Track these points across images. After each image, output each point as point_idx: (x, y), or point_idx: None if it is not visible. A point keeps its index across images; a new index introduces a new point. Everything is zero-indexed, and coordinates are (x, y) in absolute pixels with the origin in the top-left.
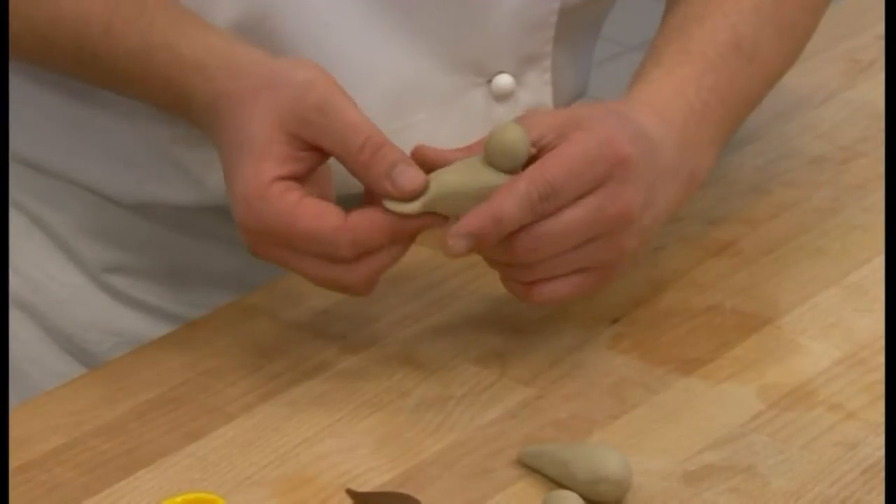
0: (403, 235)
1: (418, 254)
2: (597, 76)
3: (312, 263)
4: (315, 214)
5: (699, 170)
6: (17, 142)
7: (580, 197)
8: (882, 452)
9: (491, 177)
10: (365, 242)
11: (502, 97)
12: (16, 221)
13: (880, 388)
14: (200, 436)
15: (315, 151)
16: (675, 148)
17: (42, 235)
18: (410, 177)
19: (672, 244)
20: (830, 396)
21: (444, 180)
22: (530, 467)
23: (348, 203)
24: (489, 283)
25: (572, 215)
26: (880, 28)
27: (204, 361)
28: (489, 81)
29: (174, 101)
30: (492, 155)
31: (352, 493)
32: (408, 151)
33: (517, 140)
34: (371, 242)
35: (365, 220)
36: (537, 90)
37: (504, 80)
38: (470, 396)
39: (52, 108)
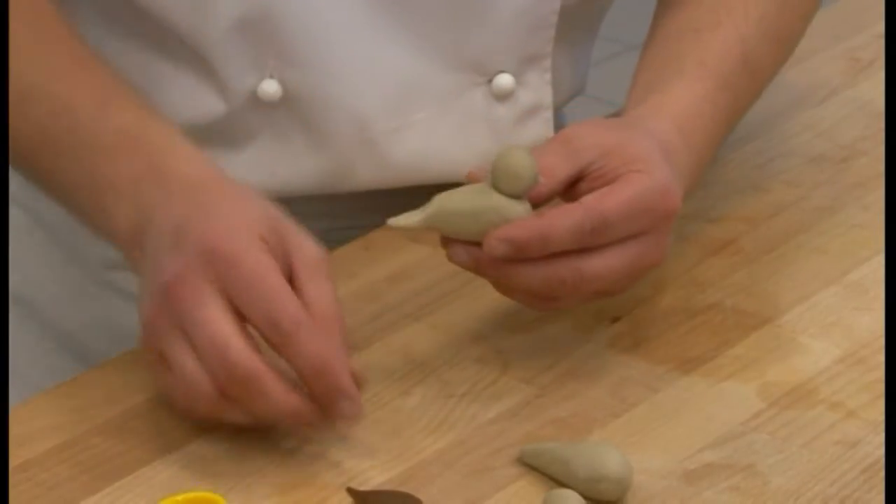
0: (327, 376)
1: (418, 252)
2: (596, 75)
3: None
4: (286, 293)
5: (694, 188)
6: None
7: (623, 240)
8: (882, 451)
9: (494, 199)
10: (306, 342)
11: (503, 97)
12: (16, 219)
13: (880, 387)
14: (201, 435)
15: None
16: (690, 172)
17: (42, 233)
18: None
19: (672, 243)
20: (831, 395)
21: (448, 199)
22: (531, 466)
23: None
24: (489, 283)
25: (615, 260)
26: (880, 27)
27: None
28: (490, 81)
29: (137, 175)
30: (496, 178)
31: (352, 492)
32: (408, 150)
33: (521, 165)
34: (306, 349)
35: (311, 337)
36: (537, 90)
37: (504, 80)
38: (470, 395)
39: None
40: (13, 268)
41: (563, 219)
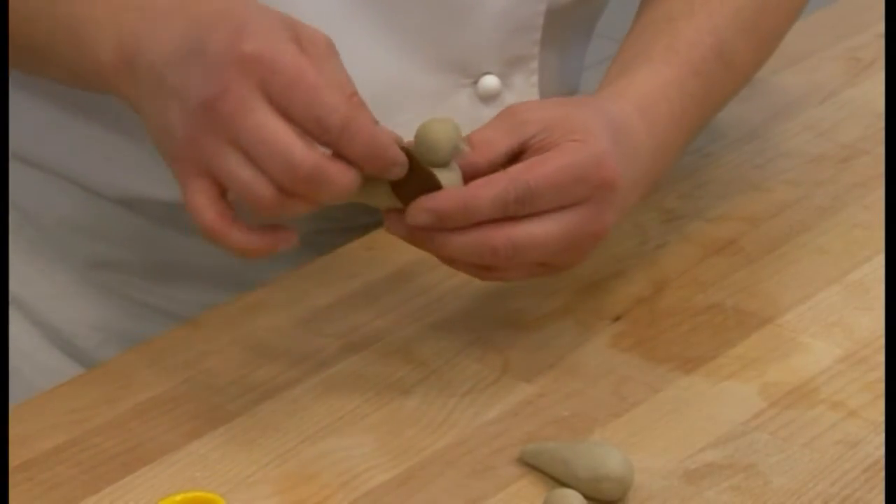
0: (380, 152)
1: (419, 252)
2: (593, 75)
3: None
4: (322, 84)
5: (662, 174)
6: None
7: (558, 209)
8: (883, 451)
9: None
10: (354, 132)
11: (488, 98)
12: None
13: (881, 387)
14: (201, 434)
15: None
16: (651, 156)
17: (31, 230)
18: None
19: (673, 242)
20: (832, 395)
21: (369, 175)
22: (532, 465)
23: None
24: (489, 282)
25: (547, 229)
26: (880, 27)
27: (204, 360)
28: (475, 82)
29: (112, 4)
30: (418, 149)
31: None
32: None
33: (437, 136)
34: (357, 138)
35: (365, 122)
36: (524, 92)
37: (490, 82)
38: (471, 395)
39: (39, 102)
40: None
41: (487, 188)
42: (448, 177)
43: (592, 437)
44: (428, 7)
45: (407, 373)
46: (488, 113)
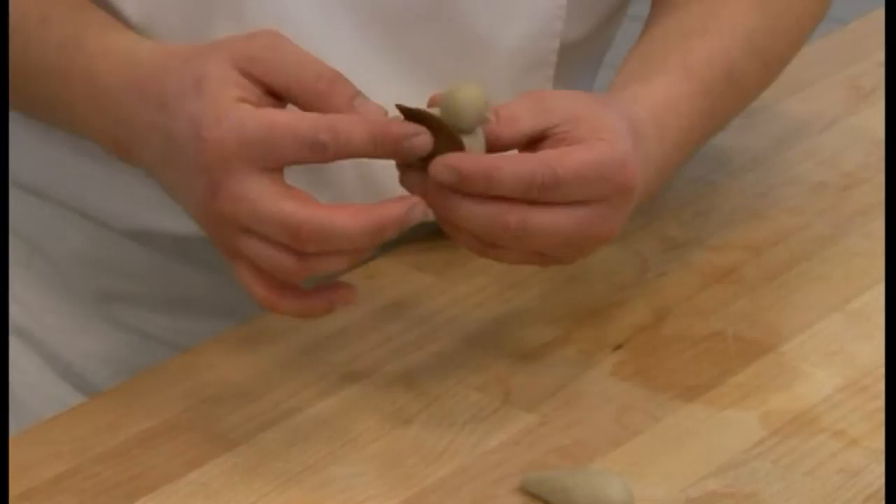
0: (384, 138)
1: (421, 280)
2: None
3: (266, 244)
4: (294, 116)
5: (660, 187)
6: (17, 167)
7: (575, 203)
8: (884, 480)
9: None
10: (346, 136)
11: None
12: (16, 249)
13: (883, 416)
14: (202, 463)
15: (270, 96)
16: (657, 166)
17: (42, 264)
18: (374, 106)
19: (674, 271)
20: (833, 423)
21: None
22: (533, 494)
23: None
24: (491, 310)
25: (561, 220)
26: (881, 55)
27: (206, 388)
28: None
29: (91, 97)
30: (443, 112)
31: (400, 108)
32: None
33: (464, 101)
34: (352, 138)
35: (346, 120)
36: None
37: None
38: (472, 423)
39: (50, 135)
40: (13, 298)
41: (515, 164)
42: (472, 142)
43: (594, 465)
44: (443, 43)
45: (408, 401)
46: None
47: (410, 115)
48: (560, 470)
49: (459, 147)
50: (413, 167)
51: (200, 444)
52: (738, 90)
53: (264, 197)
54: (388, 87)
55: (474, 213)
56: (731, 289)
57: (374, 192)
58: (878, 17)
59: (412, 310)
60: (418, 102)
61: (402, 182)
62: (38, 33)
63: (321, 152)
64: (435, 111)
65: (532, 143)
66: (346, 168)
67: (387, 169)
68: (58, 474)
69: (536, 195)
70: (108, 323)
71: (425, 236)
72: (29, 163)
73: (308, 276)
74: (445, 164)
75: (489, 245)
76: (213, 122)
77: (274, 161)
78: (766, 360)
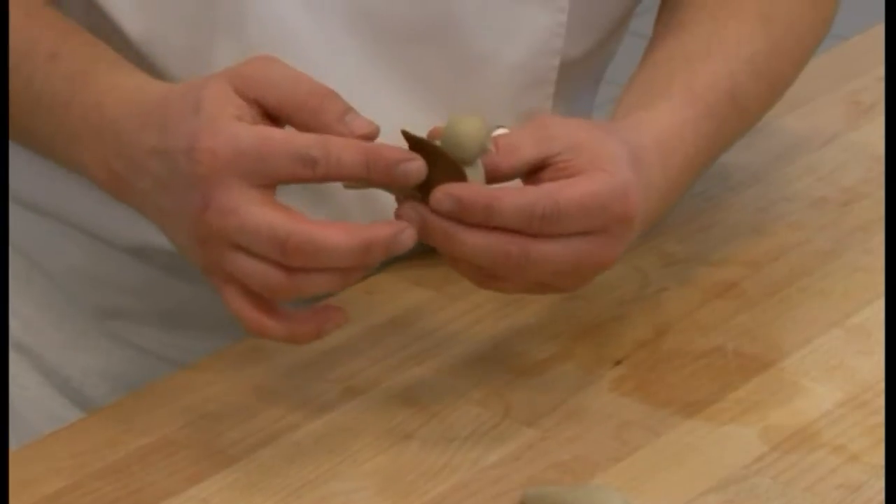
0: (377, 161)
1: (420, 296)
2: (600, 118)
3: (257, 260)
4: (288, 133)
5: (665, 213)
6: (17, 184)
7: (575, 233)
8: (884, 496)
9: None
10: (338, 154)
11: None
12: (16, 265)
13: (883, 431)
14: (202, 479)
15: (266, 119)
16: (661, 193)
17: (41, 279)
18: (364, 122)
19: (674, 286)
20: (833, 439)
21: None
22: None
23: None
24: (491, 326)
25: (561, 251)
26: (881, 70)
27: (205, 404)
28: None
29: (94, 128)
30: (444, 143)
31: (406, 135)
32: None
33: (465, 133)
34: (344, 157)
35: (339, 141)
36: None
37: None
38: (473, 438)
39: None
40: (13, 314)
41: (515, 195)
42: (472, 173)
43: (594, 480)
44: (443, 61)
45: (408, 417)
46: None
47: (414, 142)
48: (560, 485)
49: (461, 178)
50: (412, 198)
51: (200, 461)
52: (743, 113)
53: (253, 209)
54: (389, 104)
55: (475, 243)
56: (732, 304)
57: (375, 212)
58: (878, 32)
59: (412, 325)
60: (419, 120)
61: (399, 213)
62: (45, 68)
63: (311, 168)
64: (438, 142)
65: (533, 171)
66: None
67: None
68: (57, 490)
69: (537, 226)
70: (107, 339)
71: (424, 253)
72: (29, 179)
73: (297, 295)
74: (446, 193)
75: (489, 276)
76: (208, 135)
77: (265, 176)
78: (767, 375)
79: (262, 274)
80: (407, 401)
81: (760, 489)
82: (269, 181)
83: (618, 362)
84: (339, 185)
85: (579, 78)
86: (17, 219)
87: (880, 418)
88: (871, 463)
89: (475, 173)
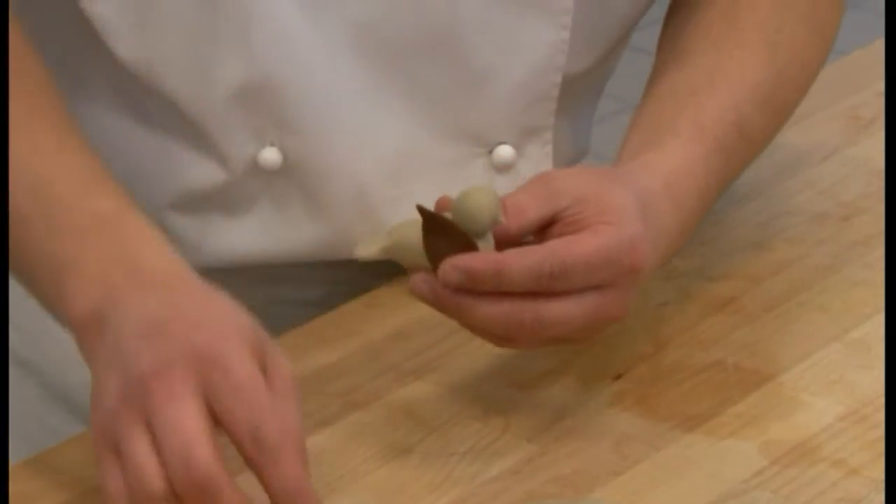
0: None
1: (421, 310)
2: (597, 133)
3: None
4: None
5: (677, 251)
6: None
7: (584, 289)
8: None
9: None
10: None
11: (503, 168)
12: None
13: (883, 445)
14: None
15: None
16: (671, 236)
17: None
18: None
19: (674, 301)
20: (833, 453)
21: (406, 232)
22: None
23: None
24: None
25: (572, 309)
26: (880, 85)
27: None
28: (490, 152)
29: (105, 260)
30: (456, 216)
31: (421, 210)
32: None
33: (479, 207)
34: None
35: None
36: (538, 161)
37: (505, 151)
38: (472, 452)
39: None
40: (13, 327)
41: (523, 258)
42: (483, 244)
43: (593, 495)
44: (445, 77)
45: (408, 431)
46: (503, 182)
47: (428, 216)
48: (560, 499)
49: (472, 249)
50: (420, 272)
51: None
52: (750, 143)
53: (194, 418)
54: (391, 119)
55: (488, 314)
56: (732, 319)
57: (372, 221)
58: (878, 47)
59: (412, 340)
60: (420, 135)
61: (413, 289)
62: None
63: (256, 447)
64: (449, 215)
65: (542, 228)
66: (346, 203)
67: (386, 203)
68: None
69: (546, 285)
70: None
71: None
72: None
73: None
74: (454, 267)
75: (505, 339)
76: (220, 334)
77: (223, 406)
78: (766, 389)
79: (148, 473)
80: (407, 415)
81: (760, 503)
82: (221, 416)
83: (618, 376)
84: (336, 195)
85: (580, 93)
86: None
87: (880, 432)
88: (872, 477)
89: (486, 242)
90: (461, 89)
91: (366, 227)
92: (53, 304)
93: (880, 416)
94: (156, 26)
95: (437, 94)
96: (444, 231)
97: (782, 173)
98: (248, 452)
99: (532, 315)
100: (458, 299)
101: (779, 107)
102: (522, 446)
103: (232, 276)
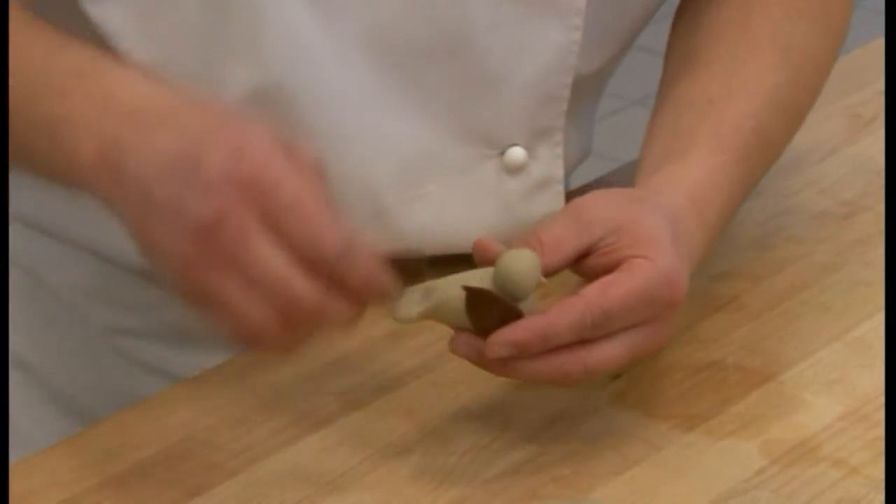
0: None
1: None
2: (599, 131)
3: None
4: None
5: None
6: (19, 204)
7: (627, 328)
8: None
9: None
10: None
11: (514, 170)
12: (18, 282)
13: (883, 444)
14: (201, 492)
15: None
16: (699, 251)
17: (45, 296)
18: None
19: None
20: (833, 452)
21: (446, 292)
22: None
23: None
24: None
25: (616, 351)
26: (881, 84)
27: (205, 417)
28: (501, 154)
29: (98, 103)
30: (497, 280)
31: (467, 289)
32: (418, 221)
33: (523, 274)
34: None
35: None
36: (549, 163)
37: (516, 153)
38: (472, 452)
39: None
40: (15, 330)
41: (564, 315)
42: (524, 305)
43: (593, 494)
44: (456, 79)
45: (407, 430)
46: (514, 184)
47: (473, 294)
48: (560, 499)
49: (517, 316)
50: (463, 332)
51: (199, 473)
52: (769, 149)
53: (276, 254)
54: (402, 123)
55: (535, 371)
56: (732, 318)
57: (388, 228)
58: (878, 46)
59: (411, 339)
60: (430, 137)
61: (454, 351)
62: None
63: (322, 260)
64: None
65: (577, 260)
66: (358, 206)
67: (398, 206)
68: (57, 503)
69: (589, 334)
70: (112, 357)
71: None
72: (33, 200)
73: (272, 345)
74: (502, 342)
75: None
76: (257, 156)
77: (281, 228)
78: (767, 388)
79: (257, 314)
80: (406, 414)
81: (760, 503)
82: (282, 236)
83: (617, 376)
84: (348, 198)
85: (588, 93)
86: (20, 237)
87: (880, 432)
88: (872, 476)
89: (528, 303)
90: (473, 91)
91: (377, 229)
92: (60, 164)
93: (881, 416)
94: (164, 32)
95: (449, 96)
96: (488, 303)
97: (783, 172)
98: (317, 265)
99: (577, 365)
100: (504, 362)
101: (794, 111)
102: (522, 446)
103: None
